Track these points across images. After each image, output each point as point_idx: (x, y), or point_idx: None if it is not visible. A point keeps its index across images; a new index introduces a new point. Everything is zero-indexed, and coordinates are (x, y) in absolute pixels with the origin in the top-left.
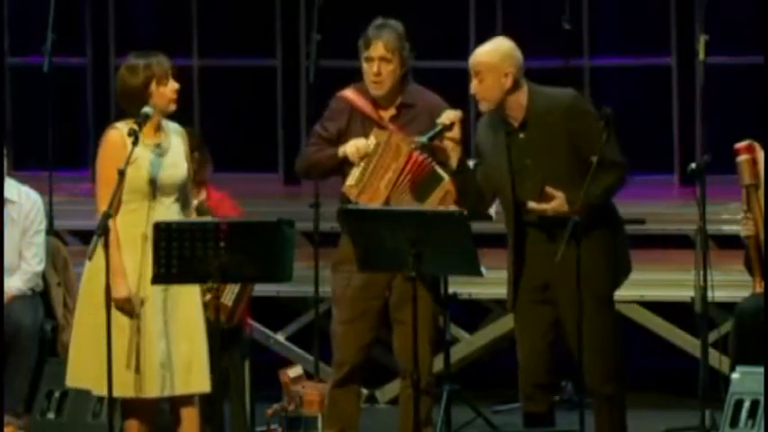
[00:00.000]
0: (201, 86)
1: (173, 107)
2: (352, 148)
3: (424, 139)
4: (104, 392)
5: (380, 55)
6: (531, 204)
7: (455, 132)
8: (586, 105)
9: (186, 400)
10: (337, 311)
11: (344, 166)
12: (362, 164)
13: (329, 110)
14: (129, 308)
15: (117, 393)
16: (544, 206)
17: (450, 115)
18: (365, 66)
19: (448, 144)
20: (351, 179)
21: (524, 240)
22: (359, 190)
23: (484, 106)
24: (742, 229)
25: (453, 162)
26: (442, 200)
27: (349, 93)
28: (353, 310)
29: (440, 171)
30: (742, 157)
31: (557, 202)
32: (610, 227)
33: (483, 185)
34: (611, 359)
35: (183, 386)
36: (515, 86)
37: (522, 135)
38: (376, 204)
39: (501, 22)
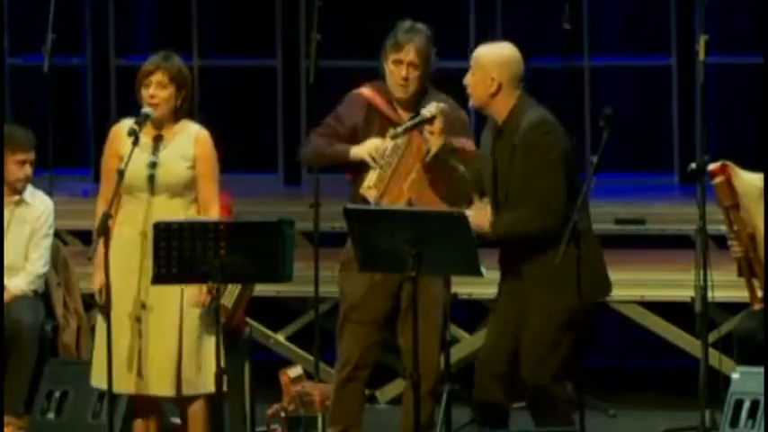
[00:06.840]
0: (201, 86)
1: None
2: (369, 149)
3: (400, 129)
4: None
5: (411, 60)
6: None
7: (436, 125)
8: (538, 136)
9: (193, 400)
10: (348, 310)
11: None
12: (380, 166)
13: (345, 105)
14: (99, 301)
15: (117, 389)
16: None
17: (431, 108)
18: (392, 67)
19: (428, 137)
20: (368, 181)
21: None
22: (380, 192)
23: (471, 101)
24: (732, 252)
25: (431, 153)
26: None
27: (367, 91)
28: (365, 308)
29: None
30: (718, 180)
31: (476, 216)
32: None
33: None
34: (533, 359)
35: (190, 387)
36: (501, 93)
37: (499, 141)
38: (398, 204)
39: (501, 22)
